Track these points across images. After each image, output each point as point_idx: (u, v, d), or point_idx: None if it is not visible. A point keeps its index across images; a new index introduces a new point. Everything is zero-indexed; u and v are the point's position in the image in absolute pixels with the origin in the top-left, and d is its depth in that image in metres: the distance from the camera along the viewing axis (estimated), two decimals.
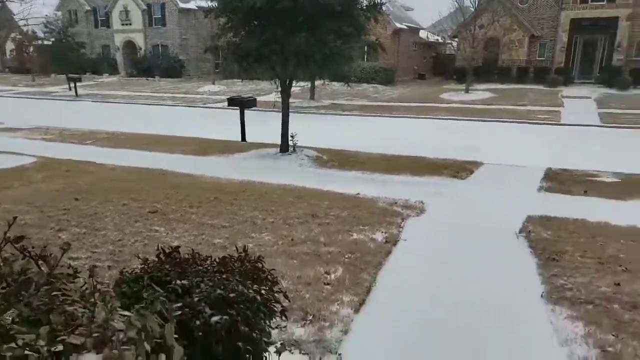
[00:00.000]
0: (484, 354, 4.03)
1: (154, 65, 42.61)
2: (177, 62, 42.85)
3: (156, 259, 2.86)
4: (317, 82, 25.68)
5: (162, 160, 12.04)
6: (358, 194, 9.01)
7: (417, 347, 4.10)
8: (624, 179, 10.46)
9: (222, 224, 7.10)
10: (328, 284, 5.18)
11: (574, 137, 16.60)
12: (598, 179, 10.49)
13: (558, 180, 10.30)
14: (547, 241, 6.57)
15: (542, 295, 5.07)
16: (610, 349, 4.04)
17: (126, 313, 1.49)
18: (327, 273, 5.48)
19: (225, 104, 17.58)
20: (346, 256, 5.98)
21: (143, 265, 2.76)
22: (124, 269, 2.82)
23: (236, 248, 3.13)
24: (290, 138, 12.88)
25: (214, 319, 2.38)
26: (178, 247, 2.91)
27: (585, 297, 4.94)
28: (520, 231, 7.12)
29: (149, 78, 41.50)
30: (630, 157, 13.10)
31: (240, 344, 2.43)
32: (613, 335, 4.24)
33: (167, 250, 2.87)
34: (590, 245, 6.42)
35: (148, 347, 1.51)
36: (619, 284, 5.21)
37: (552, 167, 11.41)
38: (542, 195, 9.40)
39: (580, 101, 24.97)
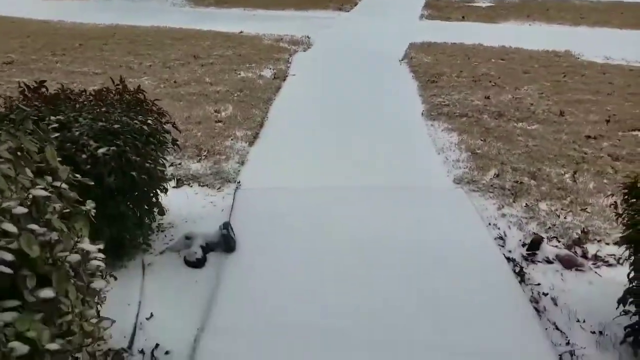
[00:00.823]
0: (377, 171, 4.35)
1: None
2: None
3: (21, 96, 2.51)
4: None
5: (7, 6, 10.19)
6: (241, 32, 8.52)
7: (312, 168, 4.29)
8: (497, 2, 10.96)
9: (94, 71, 6.42)
10: (219, 122, 5.08)
11: None
12: (474, 4, 10.88)
13: (438, 8, 10.52)
14: (428, 65, 6.90)
15: (422, 114, 5.46)
16: (479, 151, 4.57)
17: None
18: (217, 111, 5.34)
19: None
20: (235, 94, 5.82)
21: (5, 104, 2.42)
22: None
23: (112, 80, 2.84)
24: None
25: (101, 150, 2.22)
26: (44, 81, 2.56)
27: (460, 112, 5.42)
28: (403, 57, 7.36)
29: None
30: None
31: (134, 173, 2.34)
32: (481, 140, 4.78)
33: (32, 86, 2.53)
34: (465, 66, 6.87)
35: (29, 173, 1.37)
36: (488, 97, 5.76)
37: None
38: (423, 22, 9.61)
39: None
